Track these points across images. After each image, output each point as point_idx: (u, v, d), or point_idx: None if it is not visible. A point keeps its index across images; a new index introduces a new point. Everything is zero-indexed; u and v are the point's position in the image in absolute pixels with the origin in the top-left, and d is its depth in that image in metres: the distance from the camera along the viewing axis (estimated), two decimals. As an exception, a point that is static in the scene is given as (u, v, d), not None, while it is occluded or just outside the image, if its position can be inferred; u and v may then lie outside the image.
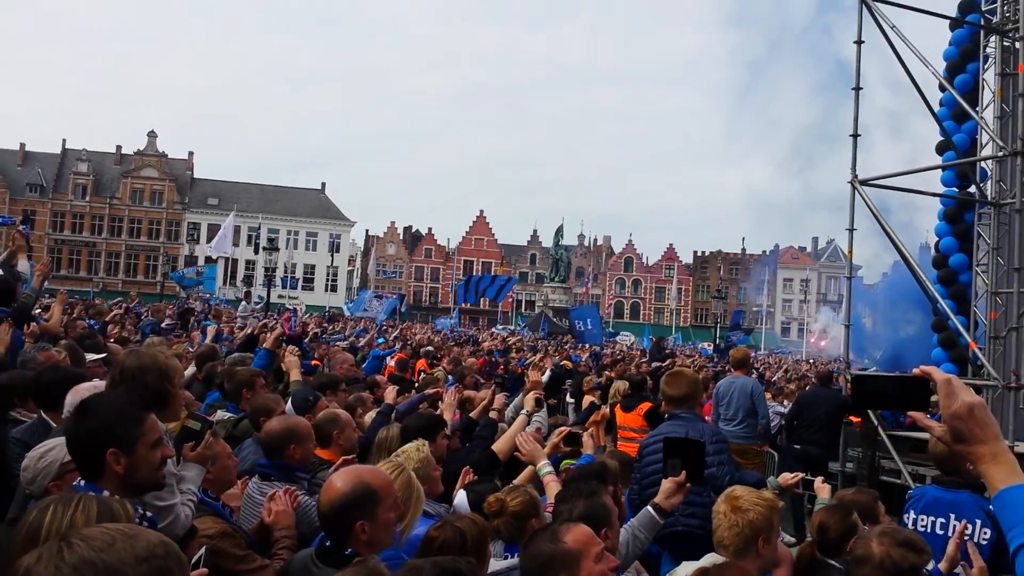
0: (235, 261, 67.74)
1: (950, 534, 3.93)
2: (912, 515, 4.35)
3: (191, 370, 7.65)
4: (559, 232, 73.60)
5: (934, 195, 12.41)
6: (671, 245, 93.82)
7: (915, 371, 1.80)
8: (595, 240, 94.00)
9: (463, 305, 51.65)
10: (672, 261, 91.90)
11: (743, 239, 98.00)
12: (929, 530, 4.18)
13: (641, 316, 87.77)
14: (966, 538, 3.70)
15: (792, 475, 4.63)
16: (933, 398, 1.82)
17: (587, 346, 28.67)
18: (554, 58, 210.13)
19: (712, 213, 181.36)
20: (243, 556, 3.22)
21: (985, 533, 4.04)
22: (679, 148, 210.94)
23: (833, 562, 3.67)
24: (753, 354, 30.77)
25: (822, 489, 4.59)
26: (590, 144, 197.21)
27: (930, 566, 3.41)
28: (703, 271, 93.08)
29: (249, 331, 10.21)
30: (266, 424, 4.30)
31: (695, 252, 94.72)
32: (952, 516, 4.17)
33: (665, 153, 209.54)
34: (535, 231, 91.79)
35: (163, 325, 15.57)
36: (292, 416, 4.53)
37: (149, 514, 2.82)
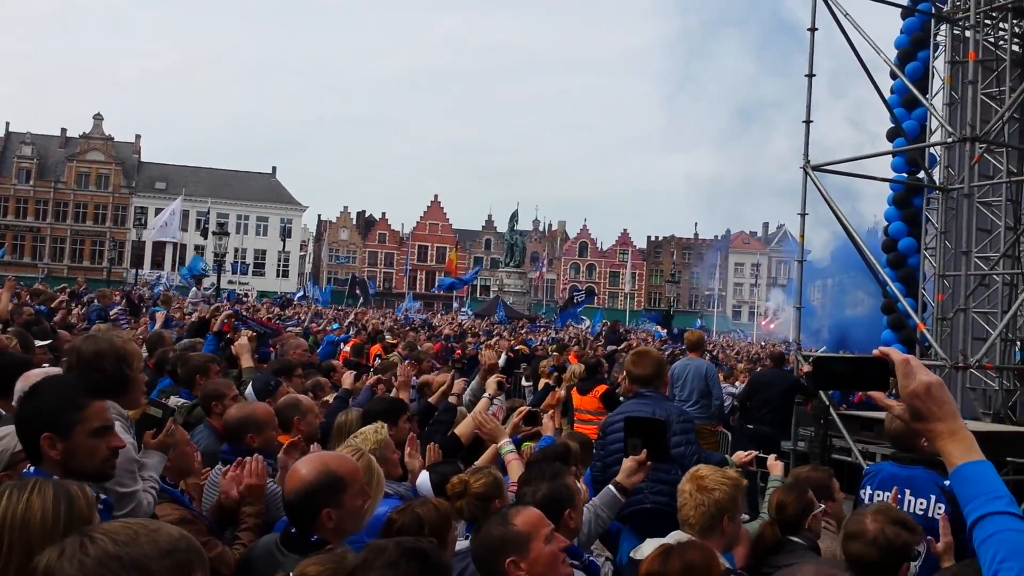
0: (184, 247, 66.64)
1: (906, 509, 4.01)
2: (868, 490, 4.42)
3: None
4: (514, 217, 73.54)
5: (884, 180, 12.66)
6: (625, 230, 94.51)
7: (874, 352, 1.84)
8: (550, 225, 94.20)
9: (418, 288, 51.53)
10: (626, 246, 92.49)
11: (696, 224, 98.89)
12: None
13: (596, 301, 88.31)
14: (938, 515, 3.79)
15: (746, 453, 4.69)
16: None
17: (544, 331, 28.80)
18: (508, 45, 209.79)
19: (666, 198, 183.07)
20: (203, 543, 3.16)
21: (939, 508, 4.13)
22: (633, 134, 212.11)
23: (794, 539, 3.72)
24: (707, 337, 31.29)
25: (775, 467, 4.66)
26: (545, 130, 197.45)
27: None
28: (657, 256, 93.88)
29: (199, 316, 10.02)
30: (226, 412, 4.23)
31: (649, 237, 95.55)
32: (908, 491, 4.24)
33: (619, 139, 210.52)
34: (490, 216, 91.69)
35: (112, 312, 15.25)
36: (250, 403, 4.46)
37: (104, 497, 2.75)
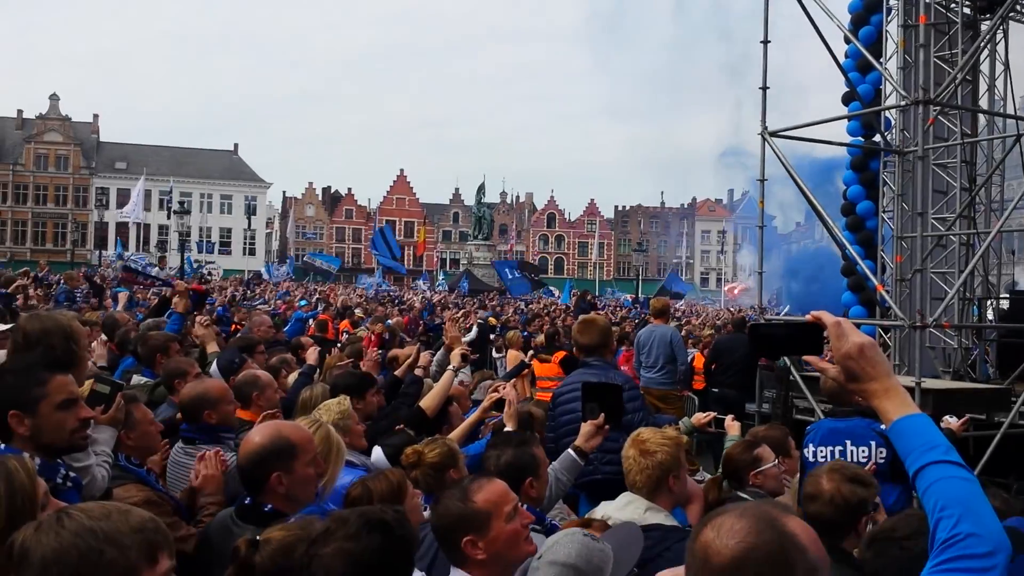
0: (147, 226, 65.74)
1: (849, 460, 4.16)
2: (812, 448, 4.57)
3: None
4: (481, 190, 73.32)
5: (841, 144, 12.79)
6: (592, 200, 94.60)
7: (807, 316, 1.86)
8: (517, 197, 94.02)
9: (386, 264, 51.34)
10: (594, 216, 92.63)
11: (662, 193, 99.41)
12: (829, 459, 4.37)
13: (565, 271, 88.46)
14: (870, 458, 3.93)
15: (704, 415, 4.79)
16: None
17: (513, 302, 28.86)
18: (471, 16, 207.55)
19: (632, 168, 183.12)
20: (169, 524, 3.17)
21: (881, 452, 4.31)
22: (598, 103, 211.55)
23: (741, 493, 3.82)
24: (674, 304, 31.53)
25: (732, 427, 4.77)
26: (510, 101, 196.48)
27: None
28: (624, 225, 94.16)
29: (162, 296, 9.94)
30: (184, 390, 4.23)
31: (616, 207, 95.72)
32: (848, 442, 4.42)
33: (585, 108, 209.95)
34: (457, 189, 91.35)
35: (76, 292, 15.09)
36: (205, 380, 4.45)
37: (73, 474, 2.78)
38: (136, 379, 5.60)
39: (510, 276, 39.70)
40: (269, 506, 2.81)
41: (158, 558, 1.65)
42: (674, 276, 56.53)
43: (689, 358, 11.94)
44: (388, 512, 2.15)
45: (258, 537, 2.29)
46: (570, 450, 3.79)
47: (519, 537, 2.58)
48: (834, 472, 3.21)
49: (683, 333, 14.78)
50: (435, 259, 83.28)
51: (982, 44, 10.95)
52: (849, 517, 3.05)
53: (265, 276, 43.05)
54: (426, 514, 3.29)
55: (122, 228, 66.49)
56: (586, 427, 3.78)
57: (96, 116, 76.35)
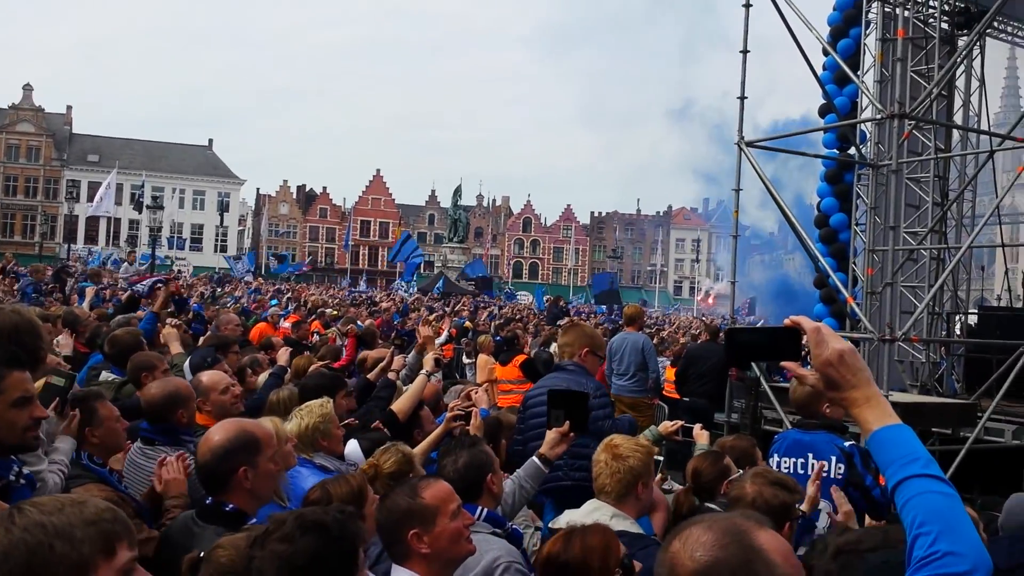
0: (118, 221, 64.98)
1: (809, 472, 4.20)
2: (776, 458, 4.62)
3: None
4: (457, 192, 73.14)
5: (816, 156, 12.88)
6: (569, 206, 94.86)
7: (786, 321, 1.81)
8: (494, 201, 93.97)
9: (360, 264, 51.07)
10: (570, 221, 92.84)
11: (638, 200, 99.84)
12: (792, 471, 4.42)
13: (540, 276, 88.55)
14: (829, 474, 3.95)
15: (672, 423, 4.78)
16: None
17: (486, 306, 28.79)
18: (451, 17, 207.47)
19: (609, 175, 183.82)
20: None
21: (839, 468, 4.35)
22: (577, 109, 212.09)
23: (710, 505, 3.82)
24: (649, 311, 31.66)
25: (700, 436, 4.77)
26: (490, 104, 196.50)
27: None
28: (600, 231, 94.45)
29: (130, 292, 9.81)
30: (145, 389, 4.11)
31: (592, 213, 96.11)
32: (810, 455, 4.46)
33: (564, 114, 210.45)
34: (433, 191, 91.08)
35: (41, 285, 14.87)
36: (172, 378, 4.35)
37: (26, 471, 2.71)
38: (104, 375, 5.49)
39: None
40: (231, 505, 2.79)
41: (115, 550, 1.60)
42: (599, 276, 55.49)
43: (661, 366, 11.95)
44: (329, 513, 2.11)
45: (201, 554, 2.26)
46: (534, 457, 3.77)
47: (461, 536, 2.68)
48: (758, 476, 3.26)
49: (655, 341, 14.79)
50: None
51: (959, 59, 11.08)
52: (772, 521, 3.05)
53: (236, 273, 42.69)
54: None
55: (92, 222, 65.67)
56: (551, 434, 3.77)
57: (69, 108, 75.45)
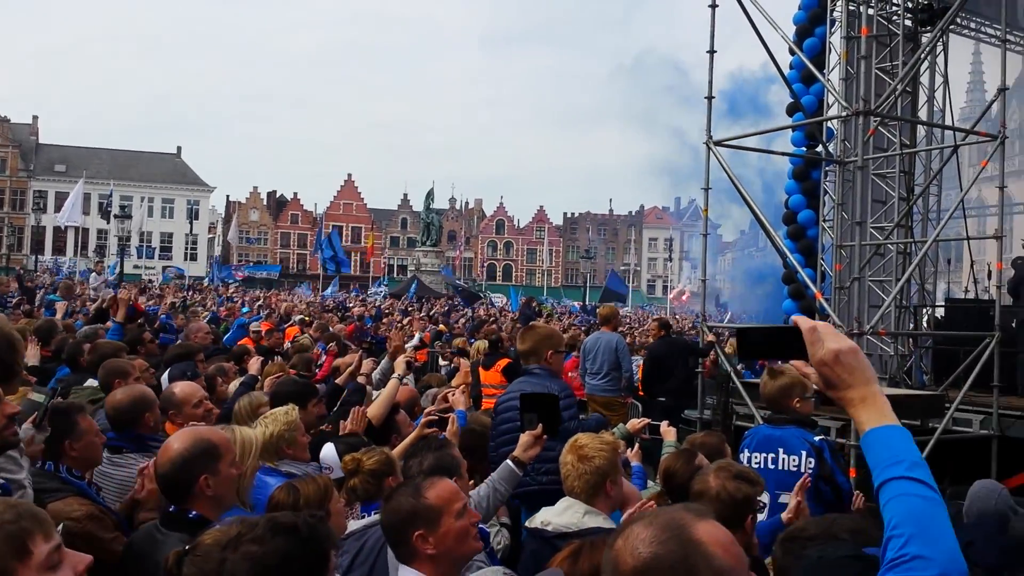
0: (86, 231, 64.20)
1: (780, 467, 4.23)
2: (747, 453, 4.66)
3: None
4: (430, 196, 73.06)
5: (784, 154, 13.00)
6: (542, 207, 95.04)
7: (790, 320, 1.82)
8: (467, 203, 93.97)
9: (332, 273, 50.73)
10: (543, 223, 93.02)
11: (610, 200, 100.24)
12: (762, 465, 4.46)
13: (513, 278, 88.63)
14: (799, 468, 3.99)
15: (639, 420, 4.79)
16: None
17: (461, 309, 28.75)
18: (422, 20, 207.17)
19: (581, 175, 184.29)
20: (111, 539, 3.09)
21: (810, 463, 4.39)
22: (548, 110, 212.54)
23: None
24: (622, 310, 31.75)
25: (668, 433, 4.78)
26: (460, 107, 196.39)
27: (766, 500, 3.65)
28: (573, 232, 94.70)
29: (100, 304, 9.68)
30: (111, 396, 4.08)
31: (565, 214, 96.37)
32: (780, 450, 4.50)
33: (535, 115, 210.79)
34: (405, 195, 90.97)
35: (14, 300, 14.67)
36: (137, 385, 4.31)
37: (3, 479, 2.70)
38: (89, 381, 5.40)
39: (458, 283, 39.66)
40: (194, 512, 2.79)
41: (29, 548, 1.55)
42: (615, 276, 56.30)
43: (635, 366, 11.98)
44: (299, 516, 2.12)
45: (187, 547, 2.23)
46: (508, 460, 3.77)
47: (467, 534, 2.67)
48: (720, 470, 3.31)
49: (628, 341, 14.84)
50: (383, 265, 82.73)
51: (922, 56, 11.20)
52: (735, 513, 3.11)
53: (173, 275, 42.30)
54: (361, 523, 3.24)
55: (59, 232, 64.87)
56: (524, 437, 3.77)
57: (36, 118, 74.71)
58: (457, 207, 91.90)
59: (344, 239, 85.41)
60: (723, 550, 1.46)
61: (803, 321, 1.78)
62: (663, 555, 1.44)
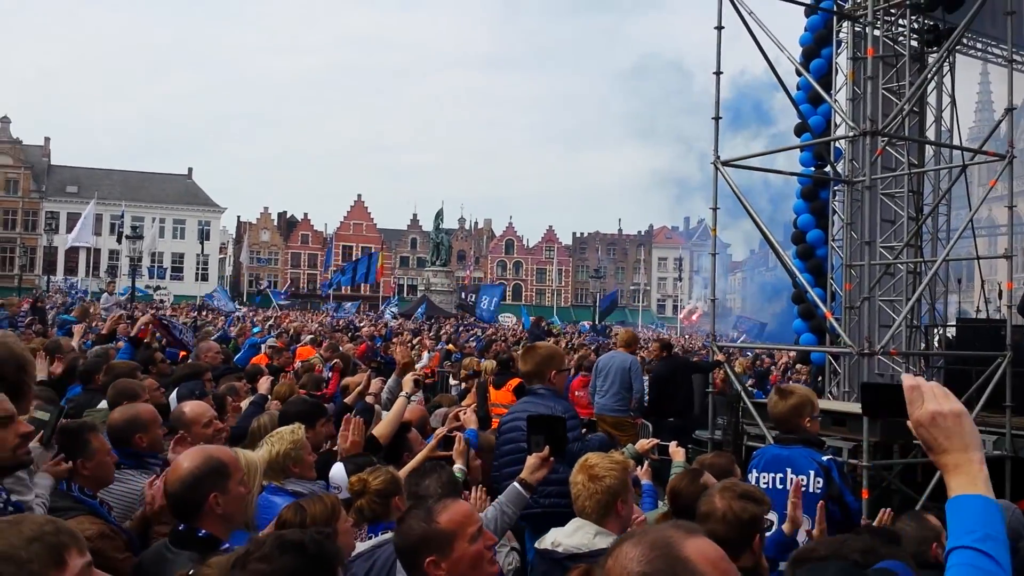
0: (98, 251, 64.59)
1: (788, 487, 4.22)
2: (755, 473, 4.62)
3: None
4: (439, 216, 73.30)
5: (792, 174, 13.01)
6: (551, 227, 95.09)
7: (903, 379, 1.78)
8: (476, 223, 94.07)
9: (343, 290, 50.86)
10: (552, 243, 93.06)
11: (619, 220, 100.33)
12: (771, 486, 4.43)
13: (523, 297, 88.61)
14: (808, 489, 3.97)
15: (648, 441, 4.78)
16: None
17: (471, 329, 28.75)
18: (430, 40, 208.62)
19: (590, 195, 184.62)
20: (123, 559, 3.10)
21: (818, 482, 4.37)
22: (558, 130, 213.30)
23: None
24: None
25: (676, 453, 4.76)
26: (470, 127, 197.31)
27: (774, 519, 3.64)
28: (582, 252, 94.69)
29: (110, 324, 9.73)
30: (111, 415, 4.12)
31: (574, 233, 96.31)
32: (789, 470, 4.47)
33: (545, 135, 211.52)
34: (415, 215, 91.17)
35: (25, 321, 14.77)
36: (136, 404, 4.35)
37: (15, 499, 2.72)
38: (104, 404, 5.43)
39: (484, 304, 39.28)
40: (204, 531, 2.80)
41: (65, 560, 1.59)
42: (608, 296, 55.83)
43: (645, 386, 11.96)
44: (306, 534, 2.14)
45: (191, 572, 2.25)
46: (515, 483, 3.75)
47: (482, 559, 2.58)
48: (726, 490, 3.27)
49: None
50: (392, 285, 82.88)
51: (929, 76, 11.23)
52: (742, 534, 3.09)
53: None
54: (368, 544, 3.25)
55: (71, 253, 65.24)
56: (532, 459, 3.75)
57: (47, 139, 75.30)
58: (467, 227, 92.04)
59: (354, 259, 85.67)
60: (712, 567, 1.48)
61: (907, 379, 1.74)
62: (651, 574, 1.45)
